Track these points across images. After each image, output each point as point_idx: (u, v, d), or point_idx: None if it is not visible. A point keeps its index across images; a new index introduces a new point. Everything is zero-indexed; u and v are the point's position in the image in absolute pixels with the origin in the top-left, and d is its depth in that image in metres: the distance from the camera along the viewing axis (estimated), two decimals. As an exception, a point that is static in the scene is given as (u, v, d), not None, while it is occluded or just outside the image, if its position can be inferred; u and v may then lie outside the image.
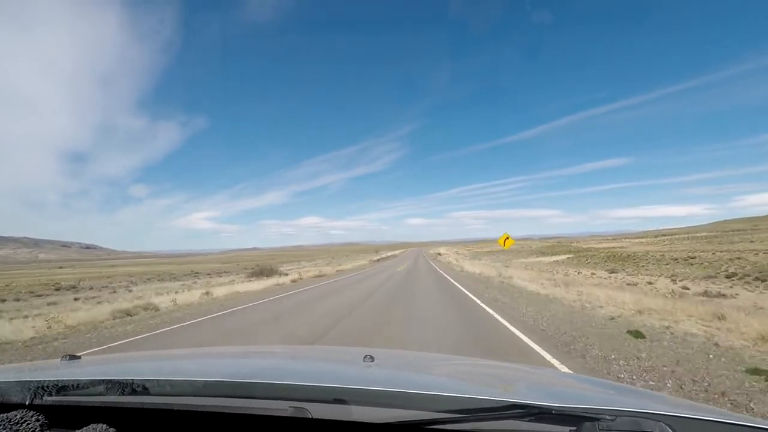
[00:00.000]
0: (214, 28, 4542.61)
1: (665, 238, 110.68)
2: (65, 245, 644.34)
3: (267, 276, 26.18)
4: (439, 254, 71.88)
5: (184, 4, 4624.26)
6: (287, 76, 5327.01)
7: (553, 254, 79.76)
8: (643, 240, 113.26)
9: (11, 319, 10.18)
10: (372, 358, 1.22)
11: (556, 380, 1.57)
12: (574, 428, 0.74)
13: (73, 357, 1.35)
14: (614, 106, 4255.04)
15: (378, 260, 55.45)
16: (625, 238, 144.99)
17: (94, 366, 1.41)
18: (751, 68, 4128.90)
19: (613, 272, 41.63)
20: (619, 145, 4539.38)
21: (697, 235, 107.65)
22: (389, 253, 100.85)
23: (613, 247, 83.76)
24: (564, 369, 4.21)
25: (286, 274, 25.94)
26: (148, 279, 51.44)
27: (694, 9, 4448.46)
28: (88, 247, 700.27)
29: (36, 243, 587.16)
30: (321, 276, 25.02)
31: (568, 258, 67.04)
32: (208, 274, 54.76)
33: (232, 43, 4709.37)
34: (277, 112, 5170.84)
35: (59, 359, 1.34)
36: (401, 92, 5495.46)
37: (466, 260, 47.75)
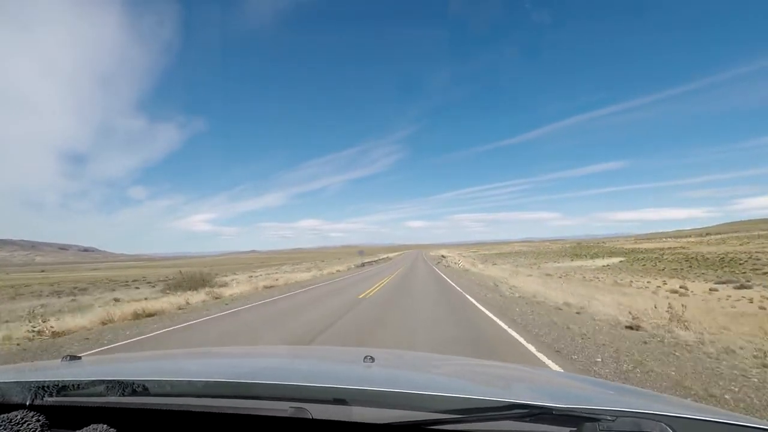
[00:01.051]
0: (213, 29, 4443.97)
1: (724, 236, 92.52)
2: (63, 248, 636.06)
3: (184, 291, 16.95)
4: (443, 257, 55.61)
5: (183, 5, 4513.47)
6: (286, 78, 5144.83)
7: (592, 257, 63.37)
8: (692, 240, 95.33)
9: None
10: (372, 359, 1.21)
11: (556, 380, 1.51)
12: (575, 429, 0.73)
13: (73, 357, 1.34)
14: (613, 109, 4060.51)
15: (362, 265, 39.60)
16: (663, 239, 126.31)
17: (95, 366, 1.40)
18: (751, 70, 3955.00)
19: (742, 287, 25.55)
20: (618, 148, 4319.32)
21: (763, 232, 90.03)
22: (383, 256, 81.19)
23: (673, 248, 66.43)
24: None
25: (223, 285, 17.97)
26: (66, 290, 37.23)
27: (694, 11, 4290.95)
28: (86, 249, 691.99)
29: (34, 245, 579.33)
30: (205, 305, 10.01)
31: (620, 262, 50.80)
32: (143, 283, 40.96)
33: (231, 45, 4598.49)
34: (277, 114, 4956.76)
35: (60, 360, 1.32)
36: (401, 94, 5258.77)
37: (488, 267, 31.96)
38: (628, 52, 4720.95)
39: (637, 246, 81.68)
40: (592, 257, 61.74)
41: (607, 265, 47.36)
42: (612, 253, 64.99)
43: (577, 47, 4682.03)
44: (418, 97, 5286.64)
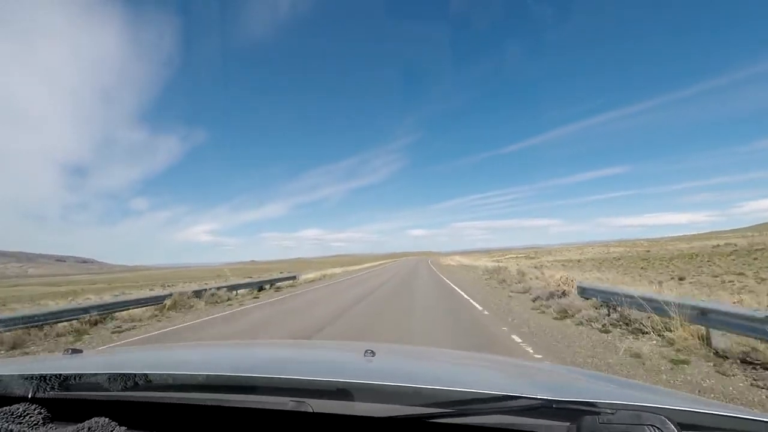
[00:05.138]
0: (212, 41, 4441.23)
1: None
2: (60, 259, 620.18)
3: None
4: (525, 274, 23.57)
5: (183, 18, 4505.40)
6: (286, 88, 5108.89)
7: None
8: None
9: None
10: (373, 353, 1.20)
11: (556, 374, 1.50)
12: (575, 422, 0.72)
13: (75, 350, 1.35)
14: (615, 114, 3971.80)
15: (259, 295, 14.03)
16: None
17: (97, 359, 1.41)
18: (748, 75, 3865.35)
19: None
20: (619, 154, 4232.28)
21: None
22: (353, 267, 43.65)
23: None
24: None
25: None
26: None
27: (692, 17, 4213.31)
28: (84, 261, 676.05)
29: (29, 257, 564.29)
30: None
31: None
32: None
33: (231, 57, 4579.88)
34: (277, 124, 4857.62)
35: (61, 353, 1.34)
36: (401, 102, 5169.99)
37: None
38: (629, 57, 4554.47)
39: None
40: None
41: None
42: None
43: (577, 53, 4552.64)
44: (418, 106, 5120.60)
